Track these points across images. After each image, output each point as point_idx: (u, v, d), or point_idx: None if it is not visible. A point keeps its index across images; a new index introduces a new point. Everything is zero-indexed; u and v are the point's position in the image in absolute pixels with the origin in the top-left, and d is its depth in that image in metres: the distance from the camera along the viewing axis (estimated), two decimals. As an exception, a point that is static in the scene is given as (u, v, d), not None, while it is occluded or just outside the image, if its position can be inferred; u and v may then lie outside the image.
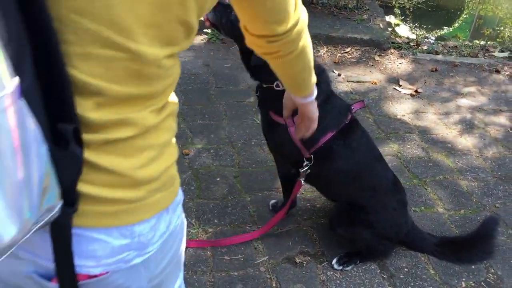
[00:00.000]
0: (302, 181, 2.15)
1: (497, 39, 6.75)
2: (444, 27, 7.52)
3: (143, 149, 0.81)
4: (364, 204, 2.14)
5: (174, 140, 0.91)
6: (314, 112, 1.57)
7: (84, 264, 0.79)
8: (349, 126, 2.09)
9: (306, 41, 1.12)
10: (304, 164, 2.09)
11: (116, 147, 0.77)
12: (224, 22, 1.97)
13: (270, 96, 2.03)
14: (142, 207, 0.83)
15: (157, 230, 0.87)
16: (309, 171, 2.11)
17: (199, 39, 4.32)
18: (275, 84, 1.97)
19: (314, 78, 1.36)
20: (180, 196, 0.96)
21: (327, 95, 2.05)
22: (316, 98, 1.98)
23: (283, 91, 1.90)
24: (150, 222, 0.85)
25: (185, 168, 2.73)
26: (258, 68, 1.91)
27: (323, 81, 2.05)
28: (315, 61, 2.03)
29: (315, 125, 1.64)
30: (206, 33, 4.34)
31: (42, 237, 0.74)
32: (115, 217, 0.79)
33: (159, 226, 0.87)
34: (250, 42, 1.09)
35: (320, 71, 2.06)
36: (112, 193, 0.78)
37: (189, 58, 3.98)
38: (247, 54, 1.97)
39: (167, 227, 0.89)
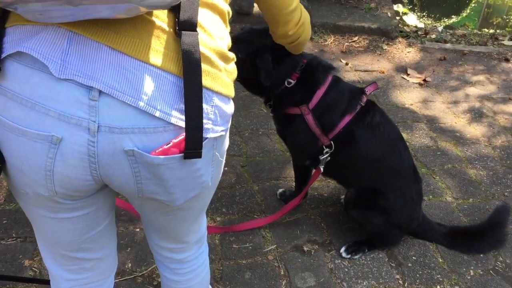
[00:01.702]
0: (322, 169, 2.14)
1: (506, 28, 6.68)
2: (453, 16, 7.46)
3: (223, 29, 1.03)
4: (384, 190, 2.13)
5: None
6: None
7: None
8: (366, 108, 2.08)
9: (308, 29, 1.59)
10: (325, 151, 2.09)
11: (210, 19, 0.99)
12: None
13: (284, 96, 2.05)
14: (218, 78, 0.98)
15: (225, 113, 1.02)
16: (329, 158, 2.10)
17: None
18: (286, 82, 2.00)
19: None
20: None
21: (334, 81, 2.06)
22: (323, 81, 2.01)
23: (293, 86, 2.00)
24: (222, 99, 1.00)
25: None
26: (271, 84, 1.98)
27: (324, 64, 2.07)
28: (310, 54, 2.07)
29: None
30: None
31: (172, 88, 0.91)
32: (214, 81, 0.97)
33: (227, 110, 1.03)
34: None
35: (313, 55, 2.08)
36: (209, 52, 0.96)
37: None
38: (251, 81, 2.03)
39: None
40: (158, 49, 0.89)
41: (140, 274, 2.04)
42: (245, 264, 2.13)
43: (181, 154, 0.93)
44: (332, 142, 2.07)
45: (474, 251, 2.29)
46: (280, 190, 2.53)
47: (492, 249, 2.30)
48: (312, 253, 2.22)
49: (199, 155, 0.95)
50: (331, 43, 4.31)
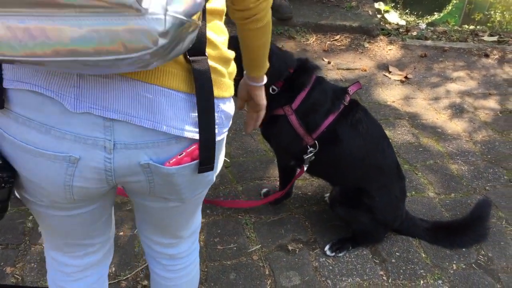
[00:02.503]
0: (305, 168, 2.16)
1: (488, 24, 6.76)
2: (435, 13, 7.51)
3: (224, 31, 1.04)
4: (369, 188, 2.15)
5: None
6: (264, 98, 1.65)
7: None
8: (349, 107, 2.10)
9: (270, 17, 1.24)
10: (309, 150, 2.10)
11: (214, 27, 0.99)
12: None
13: (269, 101, 2.05)
14: (223, 84, 1.02)
15: (228, 114, 1.06)
16: (313, 157, 2.12)
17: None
18: (271, 89, 2.01)
19: (267, 63, 1.50)
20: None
21: (317, 81, 2.07)
22: (307, 84, 2.03)
23: (278, 92, 2.02)
24: (225, 102, 1.03)
25: (176, 160, 2.73)
26: None
27: (310, 67, 2.08)
28: (292, 54, 2.08)
29: (263, 112, 1.72)
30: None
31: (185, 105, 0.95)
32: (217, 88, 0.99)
33: (229, 111, 1.06)
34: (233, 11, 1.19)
35: (302, 61, 2.09)
36: (215, 63, 0.98)
37: (178, 50, 3.96)
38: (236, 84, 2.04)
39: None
40: (169, 71, 0.92)
41: (124, 278, 2.03)
42: (230, 265, 2.14)
43: (193, 162, 0.99)
44: (316, 141, 2.08)
45: (457, 245, 2.32)
46: (264, 190, 2.54)
47: (474, 243, 2.33)
48: (297, 252, 2.23)
49: (211, 169, 1.03)
50: (313, 42, 4.33)
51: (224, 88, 1.03)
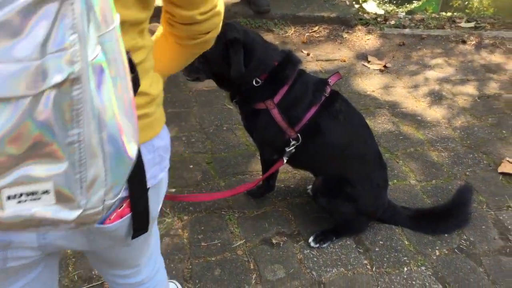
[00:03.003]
0: (285, 160, 2.16)
1: (466, 10, 6.80)
2: (413, 1, 7.55)
3: (149, 70, 0.94)
4: (351, 178, 2.15)
5: None
6: None
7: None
8: (330, 99, 2.10)
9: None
10: (292, 144, 2.10)
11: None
12: (197, 63, 2.07)
13: (251, 93, 2.08)
14: (155, 121, 0.97)
15: (165, 145, 1.02)
16: (293, 150, 2.12)
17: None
18: (254, 81, 2.02)
19: None
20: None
21: (298, 74, 2.08)
22: (289, 78, 2.04)
23: (261, 84, 2.03)
24: (160, 136, 0.99)
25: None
26: (240, 78, 2.01)
27: (293, 60, 2.08)
28: (277, 47, 2.07)
29: None
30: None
31: None
32: (141, 133, 0.86)
33: (166, 141, 1.02)
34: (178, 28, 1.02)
35: (286, 53, 2.09)
36: (139, 110, 0.87)
37: (156, 47, 3.92)
38: (221, 76, 2.10)
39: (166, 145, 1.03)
40: None
41: (108, 279, 2.02)
42: (215, 261, 2.13)
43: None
44: (298, 134, 2.08)
45: (439, 231, 2.34)
46: (247, 185, 2.53)
47: (456, 229, 2.35)
48: (281, 245, 2.23)
49: (146, 231, 0.98)
50: (291, 34, 4.32)
51: (156, 124, 0.98)
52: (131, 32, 0.85)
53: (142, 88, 0.86)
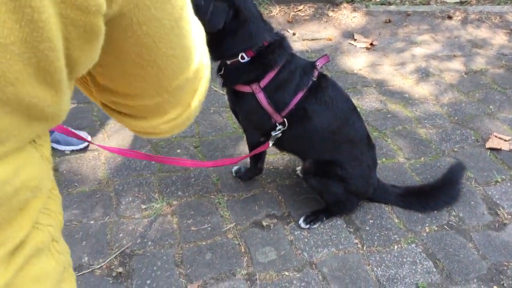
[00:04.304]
0: (270, 144, 2.14)
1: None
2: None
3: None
4: (341, 160, 2.14)
5: None
6: None
7: None
8: (318, 83, 2.07)
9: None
10: (278, 128, 2.07)
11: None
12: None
13: (236, 70, 2.01)
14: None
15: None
16: (280, 135, 2.09)
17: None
18: (240, 56, 1.96)
19: None
20: None
21: (290, 57, 2.04)
22: (278, 63, 1.98)
23: (247, 62, 1.96)
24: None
25: (144, 143, 2.68)
26: (222, 44, 1.93)
27: (285, 46, 2.03)
28: (273, 28, 1.97)
29: None
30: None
31: None
32: None
33: None
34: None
35: (280, 37, 2.03)
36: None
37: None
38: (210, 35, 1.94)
39: None
40: None
41: (98, 266, 2.00)
42: (205, 245, 2.12)
43: None
44: (285, 119, 2.05)
45: (429, 208, 2.34)
46: (235, 167, 2.51)
47: (446, 205, 2.36)
48: (271, 227, 2.22)
49: None
50: (277, 13, 4.27)
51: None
52: None
53: None
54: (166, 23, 0.54)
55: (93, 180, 2.41)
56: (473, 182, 2.51)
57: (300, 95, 2.03)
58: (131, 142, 2.68)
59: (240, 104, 2.13)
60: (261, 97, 2.01)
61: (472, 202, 2.39)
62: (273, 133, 2.10)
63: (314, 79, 2.05)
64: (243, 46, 1.96)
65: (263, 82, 2.00)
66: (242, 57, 1.97)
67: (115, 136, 2.72)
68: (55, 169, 2.45)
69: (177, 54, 0.58)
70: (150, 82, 0.59)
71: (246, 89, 2.03)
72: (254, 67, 1.99)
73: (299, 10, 4.33)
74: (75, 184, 2.39)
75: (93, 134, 2.71)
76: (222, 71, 2.07)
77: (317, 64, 2.07)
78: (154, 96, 0.62)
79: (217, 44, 1.96)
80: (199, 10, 1.84)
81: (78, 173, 2.45)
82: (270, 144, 2.13)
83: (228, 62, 2.01)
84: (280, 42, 2.02)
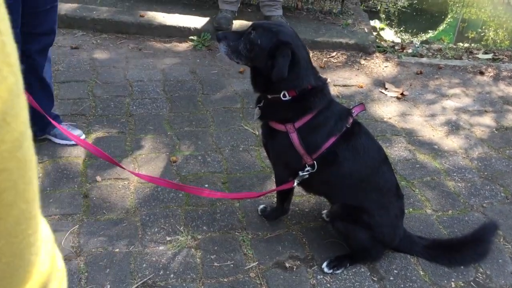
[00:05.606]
0: (295, 183, 2.15)
1: (481, 42, 6.83)
2: (429, 31, 7.59)
3: None
4: (368, 207, 2.14)
5: None
6: None
7: None
8: (351, 130, 2.10)
9: None
10: (306, 169, 2.09)
11: None
12: (242, 47, 2.02)
13: (275, 106, 2.07)
14: None
15: None
16: (307, 176, 2.11)
17: (185, 46, 4.31)
18: (282, 94, 2.00)
19: None
20: None
21: (328, 103, 2.08)
22: (317, 107, 2.03)
23: (287, 101, 2.00)
24: None
25: (173, 176, 2.72)
26: (269, 81, 1.99)
27: (325, 91, 2.09)
28: (318, 72, 2.02)
29: None
30: (192, 40, 4.33)
31: None
32: None
33: None
34: None
35: (323, 82, 2.09)
36: None
37: (175, 65, 3.97)
38: (258, 71, 2.05)
39: None
40: None
41: (120, 295, 2.00)
42: (227, 282, 2.11)
43: None
44: (315, 162, 2.07)
45: (456, 263, 2.30)
46: (261, 206, 2.52)
47: (474, 262, 2.31)
48: (294, 269, 2.21)
49: None
50: (309, 58, 4.34)
51: None
52: None
53: None
54: None
55: (121, 209, 2.45)
56: (501, 240, 2.46)
57: (332, 139, 2.06)
58: (161, 174, 2.72)
59: (272, 141, 2.17)
60: (294, 137, 2.04)
61: (500, 260, 2.34)
62: (300, 173, 2.12)
63: (348, 126, 2.08)
64: (288, 86, 2.01)
65: (298, 123, 2.03)
66: (284, 95, 2.01)
67: (146, 166, 2.77)
68: (85, 195, 2.50)
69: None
70: None
71: (280, 127, 2.07)
72: (293, 107, 2.03)
73: (332, 57, 4.41)
74: (104, 211, 2.42)
75: (125, 163, 2.76)
76: (262, 104, 2.12)
77: (353, 111, 2.11)
78: None
79: (263, 80, 2.03)
80: (274, 66, 1.94)
81: (108, 200, 2.49)
82: (295, 184, 2.15)
83: (269, 96, 2.07)
84: (322, 88, 2.07)
